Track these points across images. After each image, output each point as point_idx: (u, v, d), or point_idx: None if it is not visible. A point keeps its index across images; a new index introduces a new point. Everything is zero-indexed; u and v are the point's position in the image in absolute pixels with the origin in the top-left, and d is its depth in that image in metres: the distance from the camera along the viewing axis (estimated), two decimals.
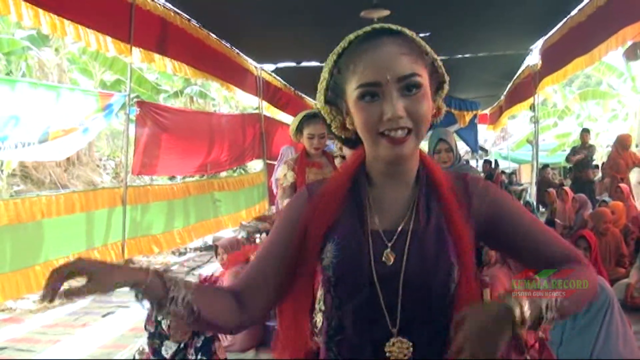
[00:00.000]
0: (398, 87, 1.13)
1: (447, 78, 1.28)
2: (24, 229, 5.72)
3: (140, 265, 1.04)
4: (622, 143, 9.82)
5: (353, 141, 1.30)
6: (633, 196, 8.03)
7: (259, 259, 1.30)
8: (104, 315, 5.70)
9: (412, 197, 1.24)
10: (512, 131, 24.76)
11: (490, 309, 1.06)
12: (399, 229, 1.21)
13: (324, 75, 1.26)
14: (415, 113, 1.14)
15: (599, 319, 3.23)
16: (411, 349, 1.17)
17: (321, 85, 1.27)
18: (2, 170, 10.01)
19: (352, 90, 1.17)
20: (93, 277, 1.04)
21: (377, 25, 1.21)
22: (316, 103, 1.32)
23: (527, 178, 16.73)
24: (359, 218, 1.23)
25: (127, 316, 5.59)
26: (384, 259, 1.19)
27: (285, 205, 1.36)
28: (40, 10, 4.98)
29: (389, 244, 1.20)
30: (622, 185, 8.32)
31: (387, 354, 1.18)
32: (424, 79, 1.17)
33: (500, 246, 1.39)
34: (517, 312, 1.03)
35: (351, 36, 1.22)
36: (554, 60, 9.39)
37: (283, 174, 4.09)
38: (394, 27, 1.20)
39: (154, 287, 1.09)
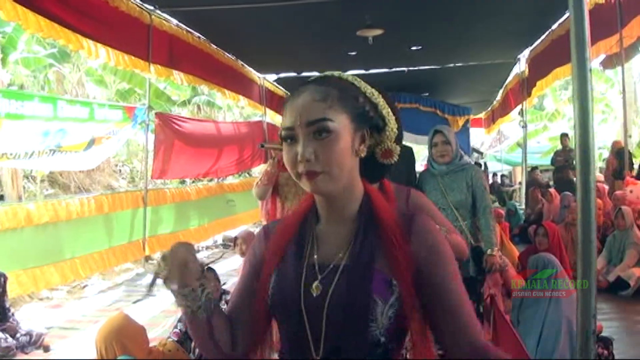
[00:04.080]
0: (307, 132, 1.20)
1: (390, 120, 1.33)
2: (62, 227, 6.53)
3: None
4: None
5: None
6: (609, 194, 8.75)
7: (236, 299, 1.40)
8: (134, 302, 6.43)
9: (352, 232, 1.28)
10: (508, 134, 25.03)
11: None
12: (334, 263, 1.25)
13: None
14: (323, 156, 1.19)
15: (549, 287, 3.93)
16: None
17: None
18: (34, 177, 10.93)
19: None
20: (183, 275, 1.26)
21: (317, 76, 1.33)
22: None
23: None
24: (300, 251, 1.30)
25: (155, 302, 6.30)
26: (312, 290, 1.23)
27: (249, 249, 1.45)
28: (79, 36, 5.80)
29: (320, 276, 1.24)
30: (599, 184, 9.06)
31: None
32: (339, 123, 1.21)
33: (422, 296, 1.25)
34: None
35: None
36: (540, 68, 10.06)
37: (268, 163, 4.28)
38: (328, 74, 1.33)
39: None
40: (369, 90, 1.32)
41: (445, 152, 3.97)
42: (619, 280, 6.10)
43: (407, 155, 4.19)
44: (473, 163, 14.38)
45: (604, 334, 4.42)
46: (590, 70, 1.81)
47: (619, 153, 9.49)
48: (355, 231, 1.27)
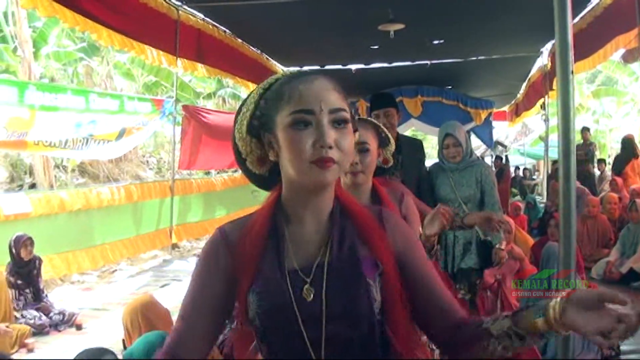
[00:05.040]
0: (329, 119, 1.15)
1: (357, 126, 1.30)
2: (93, 214, 6.87)
3: None
4: None
5: (264, 179, 1.30)
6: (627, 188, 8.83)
7: (189, 317, 1.24)
8: (161, 286, 6.72)
9: (328, 230, 1.24)
10: (533, 127, 24.83)
11: None
12: (316, 263, 1.21)
13: (247, 107, 1.24)
14: (342, 145, 1.15)
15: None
16: None
17: (243, 116, 1.24)
18: (65, 166, 11.36)
19: (283, 118, 1.17)
20: None
21: (306, 69, 1.29)
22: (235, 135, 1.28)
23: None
24: (278, 260, 1.21)
25: (181, 287, 6.58)
26: (303, 295, 1.17)
27: (202, 254, 1.29)
28: (112, 32, 6.05)
29: (308, 280, 1.19)
30: (617, 178, 9.15)
31: None
32: (349, 116, 1.20)
33: (402, 280, 1.27)
34: None
35: (277, 75, 1.26)
36: None
37: None
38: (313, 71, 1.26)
39: None
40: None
41: (457, 153, 3.98)
42: (632, 272, 6.21)
43: (417, 148, 4.23)
44: (495, 156, 14.43)
45: None
46: (573, 72, 1.99)
47: (623, 144, 9.60)
48: (330, 228, 1.24)
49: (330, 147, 1.13)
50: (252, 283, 1.19)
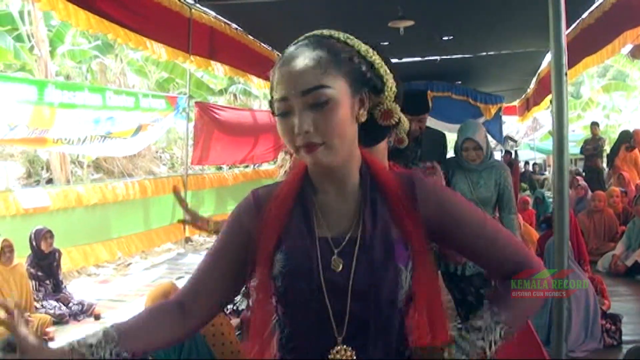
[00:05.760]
0: (303, 101, 1.10)
1: (387, 79, 1.22)
2: (109, 208, 7.06)
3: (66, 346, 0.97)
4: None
5: None
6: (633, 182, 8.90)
7: (205, 269, 1.26)
8: (176, 279, 6.88)
9: (358, 202, 1.22)
10: (543, 122, 24.73)
11: None
12: (347, 236, 1.19)
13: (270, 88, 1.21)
14: (323, 126, 1.10)
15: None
16: (354, 356, 1.15)
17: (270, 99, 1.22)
18: (81, 162, 11.60)
19: (274, 104, 1.16)
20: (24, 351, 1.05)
21: (303, 36, 1.20)
22: None
23: None
24: (307, 225, 1.20)
25: None
26: (332, 266, 1.16)
27: (232, 213, 1.30)
28: (128, 31, 6.18)
29: (336, 251, 1.17)
30: (624, 173, 9.22)
31: None
32: (337, 89, 1.11)
33: (452, 247, 1.30)
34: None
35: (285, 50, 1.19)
36: (570, 57, 10.07)
37: (281, 157, 4.02)
38: (318, 33, 1.20)
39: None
40: (363, 48, 1.20)
41: (477, 156, 3.82)
42: (637, 264, 6.32)
43: (439, 140, 4.21)
44: (505, 151, 14.35)
45: (617, 312, 4.70)
46: (566, 74, 2.11)
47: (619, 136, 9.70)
48: (359, 200, 1.21)
49: (307, 132, 1.10)
50: (280, 243, 1.18)
